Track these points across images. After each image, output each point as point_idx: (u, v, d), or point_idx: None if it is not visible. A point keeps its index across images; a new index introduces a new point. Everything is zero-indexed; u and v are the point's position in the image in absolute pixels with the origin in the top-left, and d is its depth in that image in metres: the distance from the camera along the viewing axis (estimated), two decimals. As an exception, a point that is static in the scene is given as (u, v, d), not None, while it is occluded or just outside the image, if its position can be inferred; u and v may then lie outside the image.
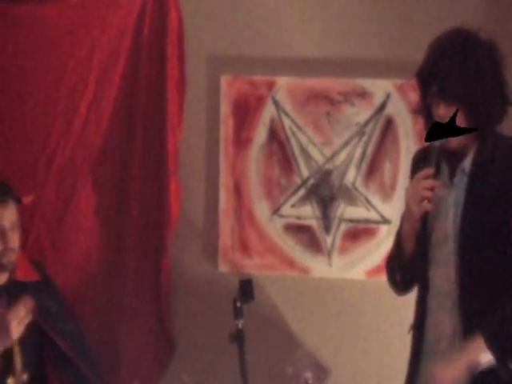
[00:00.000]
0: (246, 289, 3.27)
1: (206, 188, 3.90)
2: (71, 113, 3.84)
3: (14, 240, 3.28)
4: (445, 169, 2.56)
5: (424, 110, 2.57)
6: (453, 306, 2.51)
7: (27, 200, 3.40)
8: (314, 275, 3.81)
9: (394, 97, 3.72)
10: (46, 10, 3.84)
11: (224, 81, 3.85)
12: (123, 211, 3.85)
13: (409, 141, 3.72)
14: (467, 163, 2.53)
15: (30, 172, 3.83)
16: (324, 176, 3.81)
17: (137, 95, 3.83)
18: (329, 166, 3.81)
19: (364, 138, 3.77)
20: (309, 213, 3.81)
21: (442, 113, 2.47)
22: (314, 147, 3.81)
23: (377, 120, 3.76)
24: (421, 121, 2.66)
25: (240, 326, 3.22)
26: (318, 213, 3.81)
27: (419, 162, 2.63)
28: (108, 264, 3.86)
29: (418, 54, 2.60)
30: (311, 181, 3.82)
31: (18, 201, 3.34)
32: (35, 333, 3.25)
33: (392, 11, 3.72)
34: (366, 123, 3.77)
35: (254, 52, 3.83)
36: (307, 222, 3.82)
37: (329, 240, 3.80)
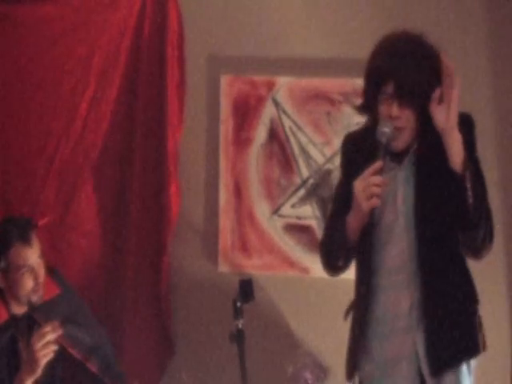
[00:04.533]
0: (246, 289, 3.27)
1: (205, 188, 3.90)
2: (71, 113, 3.84)
3: (41, 273, 3.20)
4: (389, 163, 2.57)
5: (370, 107, 2.55)
6: (409, 282, 2.53)
7: (42, 222, 3.39)
8: (313, 275, 3.81)
9: (394, 97, 3.72)
10: (46, 10, 3.84)
11: (224, 81, 3.86)
12: (123, 211, 3.85)
13: (409, 141, 3.72)
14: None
15: (30, 172, 3.83)
16: (324, 176, 3.81)
17: (137, 95, 3.84)
18: (329, 166, 3.81)
19: (364, 138, 3.77)
20: (309, 213, 3.82)
21: (395, 113, 2.46)
22: (314, 147, 3.81)
23: (377, 120, 3.76)
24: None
25: (240, 325, 3.21)
26: (317, 213, 3.81)
27: (352, 146, 2.67)
28: (108, 264, 3.87)
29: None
30: (311, 181, 3.82)
31: (35, 226, 3.26)
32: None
33: (392, 11, 3.72)
34: (366, 123, 3.77)
35: (254, 52, 3.83)
36: (307, 222, 3.82)
37: (329, 240, 3.79)
